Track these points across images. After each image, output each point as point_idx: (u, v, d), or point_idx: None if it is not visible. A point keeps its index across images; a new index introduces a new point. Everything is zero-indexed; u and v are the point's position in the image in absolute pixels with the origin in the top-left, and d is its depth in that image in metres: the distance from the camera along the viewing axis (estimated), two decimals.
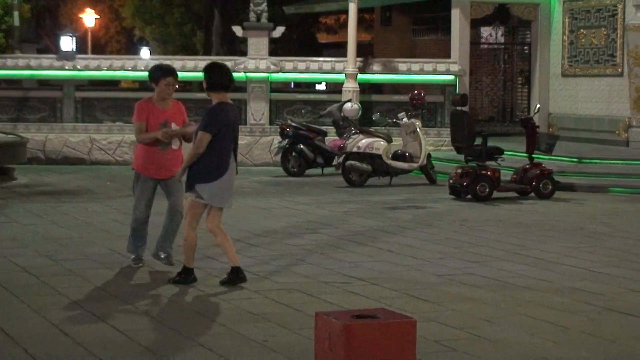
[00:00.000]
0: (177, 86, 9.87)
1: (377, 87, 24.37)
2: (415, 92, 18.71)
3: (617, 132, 20.58)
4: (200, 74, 9.26)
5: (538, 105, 18.37)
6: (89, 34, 41.45)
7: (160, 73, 9.69)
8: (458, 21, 22.21)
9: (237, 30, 21.97)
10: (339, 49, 34.54)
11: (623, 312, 8.18)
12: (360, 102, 20.59)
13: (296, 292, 8.78)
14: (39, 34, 47.13)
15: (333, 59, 23.06)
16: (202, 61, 21.20)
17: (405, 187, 17.53)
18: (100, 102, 21.81)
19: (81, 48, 30.20)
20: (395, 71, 22.35)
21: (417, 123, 17.94)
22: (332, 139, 19.32)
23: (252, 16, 21.72)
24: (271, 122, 21.58)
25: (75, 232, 11.99)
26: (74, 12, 45.50)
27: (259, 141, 21.44)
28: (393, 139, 18.26)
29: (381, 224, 12.96)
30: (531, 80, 23.48)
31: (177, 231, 9.72)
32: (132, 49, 45.70)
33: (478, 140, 15.87)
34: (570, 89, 22.24)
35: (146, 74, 10.21)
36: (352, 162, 17.49)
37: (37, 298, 8.43)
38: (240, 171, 9.94)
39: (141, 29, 39.02)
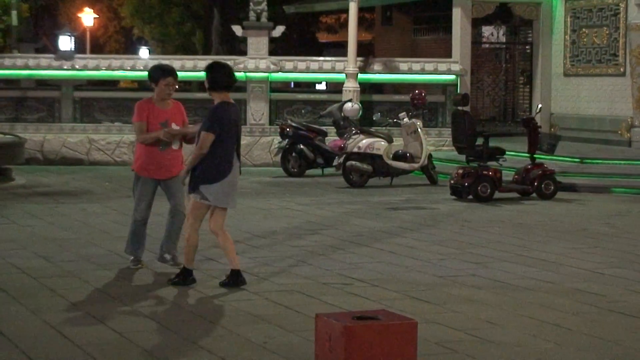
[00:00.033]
0: (177, 86, 9.88)
1: (377, 87, 24.33)
2: (416, 92, 18.66)
3: (619, 132, 20.55)
4: (200, 74, 9.24)
5: (540, 105, 18.30)
6: (88, 33, 41.42)
7: (160, 73, 9.68)
8: (459, 20, 22.18)
9: (237, 29, 21.93)
10: (339, 49, 34.56)
11: (626, 313, 8.16)
12: (361, 102, 20.55)
13: (296, 293, 8.76)
14: (37, 34, 47.13)
15: (333, 58, 23.03)
16: (202, 61, 21.22)
17: (406, 187, 17.50)
18: (98, 102, 21.77)
19: (80, 48, 30.17)
20: (396, 71, 22.31)
21: (418, 123, 17.90)
22: (332, 139, 19.30)
23: (252, 15, 21.69)
24: (271, 122, 21.54)
25: (74, 233, 11.97)
26: (73, 11, 45.50)
27: (258, 141, 21.39)
28: (394, 139, 18.23)
29: (382, 225, 12.93)
30: (533, 80, 23.45)
31: (180, 232, 9.70)
32: (130, 49, 45.69)
33: (479, 141, 15.85)
34: (572, 88, 22.20)
35: (145, 73, 10.20)
36: (353, 162, 17.46)
37: (35, 299, 8.41)
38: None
39: (140, 29, 39.02)
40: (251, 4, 21.80)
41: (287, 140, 19.33)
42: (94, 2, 44.41)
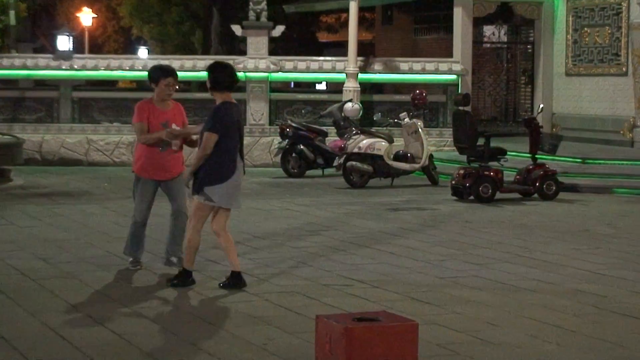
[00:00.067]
0: (177, 87, 9.86)
1: (378, 87, 24.30)
2: (417, 91, 18.62)
3: (621, 132, 20.52)
4: (199, 74, 9.20)
5: (541, 105, 18.28)
6: (86, 33, 41.35)
7: (160, 73, 9.67)
8: (460, 20, 22.16)
9: (237, 29, 21.89)
10: (339, 48, 34.51)
11: (628, 314, 8.15)
12: (361, 102, 20.52)
13: (296, 294, 8.74)
14: (36, 34, 47.16)
15: (334, 58, 23.00)
16: (201, 60, 21.16)
17: (407, 188, 17.48)
18: (97, 102, 21.73)
19: (78, 47, 30.09)
20: (396, 71, 22.28)
21: (419, 123, 17.86)
22: (332, 139, 19.27)
23: (252, 15, 21.66)
24: (271, 123, 21.50)
25: (73, 234, 11.95)
26: (71, 11, 45.44)
27: (258, 142, 21.35)
28: (394, 139, 18.19)
29: (382, 226, 12.91)
30: (534, 80, 23.43)
31: (184, 233, 9.68)
32: (129, 49, 45.65)
33: (481, 141, 15.83)
34: (574, 88, 22.17)
35: (144, 73, 10.20)
36: (353, 162, 17.43)
37: (34, 301, 8.40)
38: None
39: (139, 28, 38.99)
40: (251, 3, 21.77)
41: (287, 140, 19.30)
42: (92, 1, 44.36)
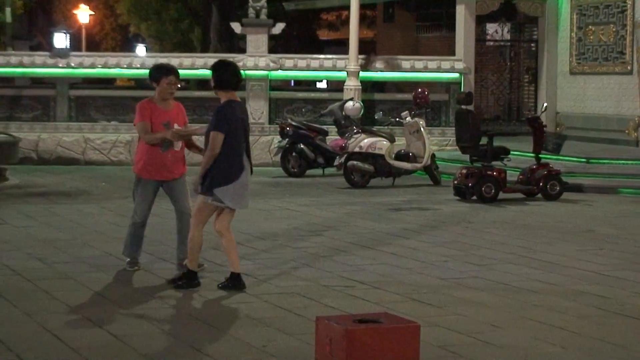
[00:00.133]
0: (179, 85, 9.84)
1: (379, 85, 24.26)
2: (419, 90, 18.56)
3: (626, 131, 20.48)
4: (198, 72, 9.10)
5: (545, 104, 18.26)
6: (83, 30, 41.34)
7: (161, 72, 9.65)
8: (463, 17, 22.11)
9: (236, 26, 21.84)
10: (340, 46, 34.46)
11: (632, 316, 8.14)
12: (363, 101, 20.46)
13: (296, 296, 8.72)
14: (32, 31, 47.17)
15: (334, 56, 22.96)
16: (200, 59, 21.08)
17: (409, 188, 17.46)
18: (94, 100, 21.68)
19: (75, 45, 30.04)
20: (398, 69, 22.24)
21: (421, 122, 17.81)
22: (333, 138, 19.25)
23: (251, 12, 21.63)
24: (271, 121, 21.46)
25: (69, 234, 11.92)
26: (68, 8, 45.45)
27: (258, 141, 21.27)
28: (396, 138, 18.14)
29: (384, 226, 12.89)
30: (538, 78, 23.40)
31: None
32: (127, 46, 45.66)
33: (483, 140, 15.81)
34: (578, 87, 22.13)
35: (142, 71, 10.16)
36: (354, 162, 17.38)
37: (30, 302, 8.38)
38: None
39: (137, 26, 39.01)
40: (250, 0, 21.71)
41: (287, 139, 19.27)
42: None
